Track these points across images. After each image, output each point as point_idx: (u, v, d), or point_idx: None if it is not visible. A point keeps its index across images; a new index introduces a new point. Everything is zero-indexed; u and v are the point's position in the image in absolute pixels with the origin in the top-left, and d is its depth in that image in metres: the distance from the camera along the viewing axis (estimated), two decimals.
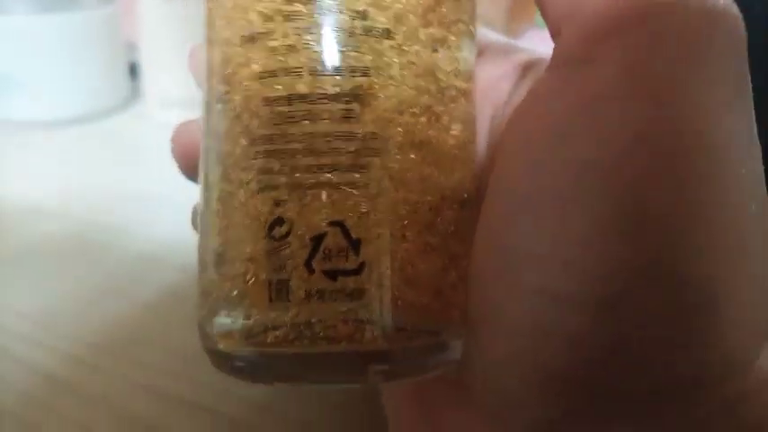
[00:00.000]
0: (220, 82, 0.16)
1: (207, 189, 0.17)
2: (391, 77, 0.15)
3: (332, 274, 0.14)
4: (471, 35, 0.17)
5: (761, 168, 0.14)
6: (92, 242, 0.33)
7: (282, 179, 0.15)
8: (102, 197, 0.38)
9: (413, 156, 0.15)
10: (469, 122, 0.17)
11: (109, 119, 0.48)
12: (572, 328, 0.13)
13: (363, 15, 0.15)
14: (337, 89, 0.15)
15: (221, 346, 0.16)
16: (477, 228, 0.16)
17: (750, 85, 0.14)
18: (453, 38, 0.16)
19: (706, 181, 0.13)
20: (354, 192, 0.14)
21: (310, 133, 0.14)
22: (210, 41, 0.17)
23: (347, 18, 0.15)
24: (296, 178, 0.15)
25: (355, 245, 0.14)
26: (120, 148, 0.44)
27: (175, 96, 0.47)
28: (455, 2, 0.16)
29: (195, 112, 0.50)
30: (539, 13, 0.16)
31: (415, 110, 0.15)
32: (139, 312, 0.28)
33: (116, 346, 0.26)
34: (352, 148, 0.14)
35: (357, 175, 0.14)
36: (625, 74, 0.13)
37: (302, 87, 0.15)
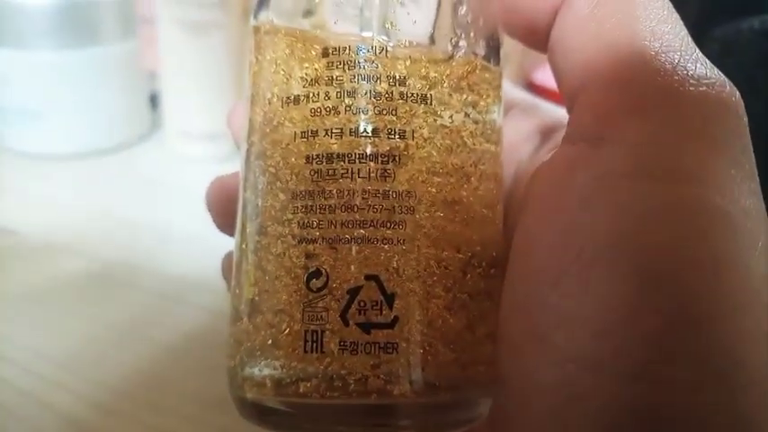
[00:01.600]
0: (261, 139, 0.17)
1: (243, 241, 0.17)
2: (425, 140, 0.16)
3: (366, 327, 0.15)
4: (500, 99, 0.18)
5: None
6: (112, 280, 0.33)
7: (319, 233, 0.15)
8: (123, 232, 0.38)
9: (444, 214, 0.16)
10: (497, 183, 0.18)
11: (129, 151, 0.48)
12: (605, 397, 0.13)
13: (401, 81, 0.16)
14: (375, 149, 0.15)
15: (251, 395, 0.16)
16: (506, 290, 0.16)
17: (756, 169, 0.14)
18: (483, 102, 0.17)
19: (725, 254, 0.13)
20: (390, 246, 0.15)
21: (348, 190, 0.15)
22: (253, 101, 0.18)
23: (386, 84, 0.16)
24: (333, 232, 0.15)
25: (389, 299, 0.15)
26: (140, 181, 0.45)
27: (196, 128, 0.47)
28: (486, 69, 0.17)
29: (214, 145, 0.50)
30: None
31: (446, 170, 0.16)
32: (160, 355, 0.28)
33: (135, 389, 0.26)
34: (388, 206, 0.15)
35: (391, 231, 0.15)
36: (641, 153, 0.14)
37: (341, 147, 0.15)
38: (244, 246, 0.17)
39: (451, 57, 0.16)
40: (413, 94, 0.16)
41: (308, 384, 0.15)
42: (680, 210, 0.13)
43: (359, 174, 0.15)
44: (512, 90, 0.23)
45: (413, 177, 0.15)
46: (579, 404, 0.14)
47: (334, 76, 0.16)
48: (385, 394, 0.15)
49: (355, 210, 0.15)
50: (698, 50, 0.15)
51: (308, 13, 0.17)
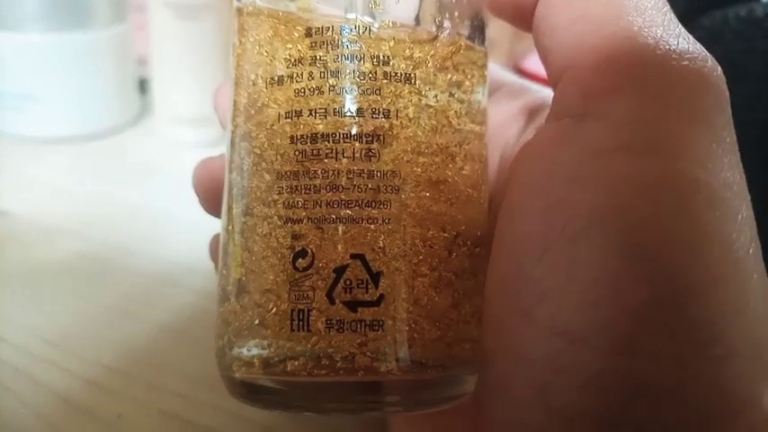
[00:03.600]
0: (246, 121, 0.17)
1: (229, 222, 0.17)
2: (410, 119, 0.16)
3: (352, 306, 0.15)
4: (485, 79, 0.18)
5: (752, 215, 0.14)
6: (105, 262, 0.33)
7: (305, 213, 0.15)
8: (115, 215, 0.38)
9: (429, 194, 0.16)
10: (482, 163, 0.18)
11: (119, 135, 0.48)
12: (590, 369, 0.14)
13: (385, 61, 0.16)
14: (360, 129, 0.15)
15: (240, 374, 0.16)
16: (491, 266, 0.16)
17: (736, 142, 0.15)
18: (468, 83, 0.17)
19: (707, 226, 0.13)
20: (375, 226, 0.15)
21: (333, 170, 0.15)
22: (237, 82, 0.18)
23: (369, 64, 0.16)
24: (318, 212, 0.15)
25: (375, 277, 0.15)
26: (130, 164, 0.45)
27: (185, 113, 0.47)
28: (471, 50, 0.17)
29: (204, 129, 0.50)
30: None
31: (431, 150, 0.16)
32: (154, 334, 0.28)
33: (130, 368, 0.26)
34: (373, 185, 0.15)
35: (376, 211, 0.15)
36: (625, 128, 0.14)
37: (326, 127, 0.15)
38: (230, 227, 0.17)
39: (436, 37, 0.16)
40: (397, 73, 0.16)
41: (296, 363, 0.15)
42: (662, 184, 0.14)
43: (343, 154, 0.15)
44: (498, 71, 0.23)
45: (398, 157, 0.15)
46: (563, 378, 0.14)
47: (318, 57, 0.16)
48: (372, 371, 0.15)
49: (340, 190, 0.15)
50: (680, 26, 0.15)
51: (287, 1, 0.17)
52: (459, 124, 0.17)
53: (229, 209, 0.17)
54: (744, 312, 0.13)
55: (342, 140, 0.15)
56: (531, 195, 0.15)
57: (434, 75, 0.16)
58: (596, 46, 0.15)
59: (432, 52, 0.16)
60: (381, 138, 0.15)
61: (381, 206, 0.15)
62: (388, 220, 0.15)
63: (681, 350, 0.13)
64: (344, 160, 0.15)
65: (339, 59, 0.15)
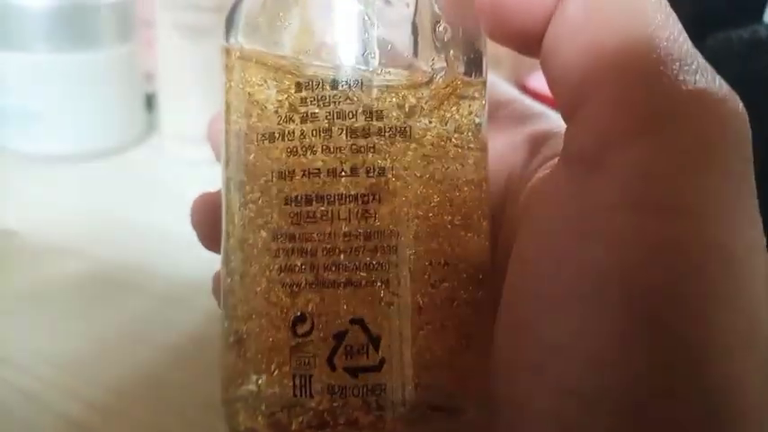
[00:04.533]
0: (239, 171, 0.17)
1: (228, 269, 0.17)
2: (406, 173, 0.15)
3: (353, 372, 0.15)
4: (483, 108, 0.17)
5: None
6: (112, 281, 0.33)
7: (303, 276, 0.15)
8: (122, 234, 0.38)
9: (429, 246, 0.16)
10: (482, 210, 0.17)
11: (126, 153, 0.48)
12: (598, 429, 0.13)
13: (378, 116, 0.15)
14: (355, 190, 0.15)
15: (244, 426, 0.16)
16: (503, 311, 0.16)
17: (755, 189, 0.14)
18: (466, 120, 0.17)
19: (724, 295, 0.13)
20: (373, 289, 0.15)
21: (329, 233, 0.15)
22: (227, 125, 0.17)
23: (362, 119, 0.15)
24: (317, 276, 0.15)
25: (375, 341, 0.15)
26: (137, 183, 0.45)
27: (192, 131, 0.47)
28: (468, 85, 0.17)
29: (210, 148, 0.50)
30: None
31: (429, 202, 0.16)
32: (160, 357, 0.28)
33: (136, 391, 0.26)
34: (370, 247, 0.15)
35: (375, 273, 0.15)
36: (639, 182, 0.13)
37: (320, 188, 0.15)
38: (229, 280, 0.17)
39: (431, 79, 0.16)
40: (391, 127, 0.15)
41: (300, 420, 0.15)
42: (675, 246, 0.13)
43: (339, 215, 0.15)
44: (501, 88, 0.22)
45: (395, 214, 0.15)
46: None
47: (309, 113, 0.15)
48: (375, 429, 0.15)
49: (337, 252, 0.15)
50: (698, 57, 0.14)
51: (277, 44, 0.16)
52: (457, 167, 0.16)
53: (227, 256, 0.17)
54: (755, 380, 0.13)
55: (337, 202, 0.15)
56: (541, 248, 0.15)
57: (430, 120, 0.16)
58: (609, 84, 0.14)
59: (427, 96, 0.16)
60: (377, 196, 0.15)
61: (380, 268, 0.15)
62: (387, 281, 0.15)
63: (688, 416, 0.13)
64: (341, 222, 0.15)
65: (331, 117, 0.15)
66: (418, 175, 0.15)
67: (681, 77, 0.13)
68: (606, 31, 0.14)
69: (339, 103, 0.15)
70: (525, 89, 0.47)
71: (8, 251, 0.35)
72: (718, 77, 0.14)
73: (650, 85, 0.14)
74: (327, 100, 0.15)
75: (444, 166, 0.16)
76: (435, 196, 0.16)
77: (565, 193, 0.15)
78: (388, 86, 0.15)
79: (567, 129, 0.15)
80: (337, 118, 0.15)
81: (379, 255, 0.15)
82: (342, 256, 0.15)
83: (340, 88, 0.15)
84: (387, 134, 0.15)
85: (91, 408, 0.25)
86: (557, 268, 0.14)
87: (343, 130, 0.15)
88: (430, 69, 0.16)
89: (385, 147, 0.15)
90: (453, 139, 0.16)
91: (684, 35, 0.14)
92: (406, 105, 0.15)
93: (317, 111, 0.15)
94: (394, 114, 0.15)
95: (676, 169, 0.13)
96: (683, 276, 0.13)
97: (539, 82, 0.47)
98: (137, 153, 0.48)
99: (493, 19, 0.16)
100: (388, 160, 0.15)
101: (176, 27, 0.44)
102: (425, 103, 0.16)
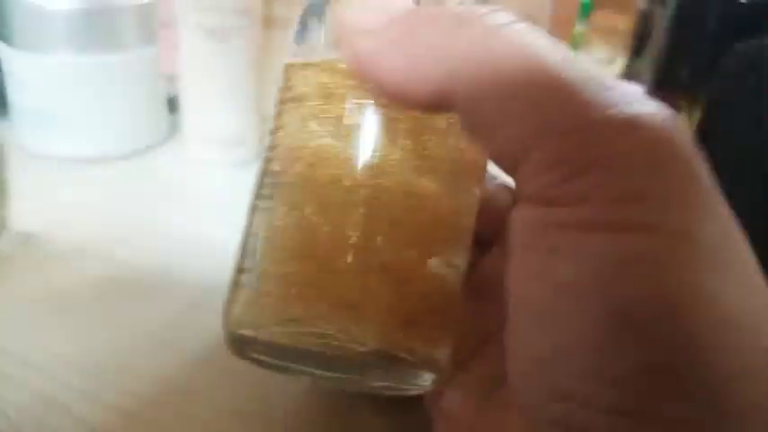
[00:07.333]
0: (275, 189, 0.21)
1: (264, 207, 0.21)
2: None
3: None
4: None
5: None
6: (134, 285, 0.33)
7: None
8: (144, 236, 0.37)
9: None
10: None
11: (148, 155, 0.48)
12: (599, 426, 0.14)
13: None
14: None
15: (242, 331, 0.20)
16: (510, 341, 0.17)
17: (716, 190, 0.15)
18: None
19: (698, 288, 0.14)
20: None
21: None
22: (275, 150, 0.22)
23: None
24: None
25: None
26: (159, 185, 0.44)
27: (215, 133, 0.47)
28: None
29: (233, 149, 0.49)
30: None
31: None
32: (186, 363, 0.28)
33: (161, 397, 0.26)
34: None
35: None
36: (599, 208, 0.15)
37: None
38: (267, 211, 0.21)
39: None
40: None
41: (291, 331, 0.18)
42: (641, 258, 0.14)
43: None
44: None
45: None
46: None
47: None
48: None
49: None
50: (624, 84, 0.15)
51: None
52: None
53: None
54: (744, 373, 0.14)
55: None
56: (520, 266, 0.16)
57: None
58: (545, 139, 0.15)
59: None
60: None
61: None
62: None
63: (676, 415, 0.14)
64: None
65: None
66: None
67: (617, 109, 0.14)
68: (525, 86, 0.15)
69: None
70: None
71: (31, 253, 0.35)
72: (651, 99, 0.15)
73: (587, 123, 0.15)
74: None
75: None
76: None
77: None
78: None
79: (518, 175, 0.16)
80: None
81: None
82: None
83: None
84: None
85: (112, 412, 0.25)
86: (532, 288, 0.16)
87: None
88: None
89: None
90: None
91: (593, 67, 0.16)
92: None
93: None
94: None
95: (630, 191, 0.14)
96: (651, 280, 0.14)
97: None
98: (159, 155, 0.48)
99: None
100: None
101: (199, 29, 0.43)
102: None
